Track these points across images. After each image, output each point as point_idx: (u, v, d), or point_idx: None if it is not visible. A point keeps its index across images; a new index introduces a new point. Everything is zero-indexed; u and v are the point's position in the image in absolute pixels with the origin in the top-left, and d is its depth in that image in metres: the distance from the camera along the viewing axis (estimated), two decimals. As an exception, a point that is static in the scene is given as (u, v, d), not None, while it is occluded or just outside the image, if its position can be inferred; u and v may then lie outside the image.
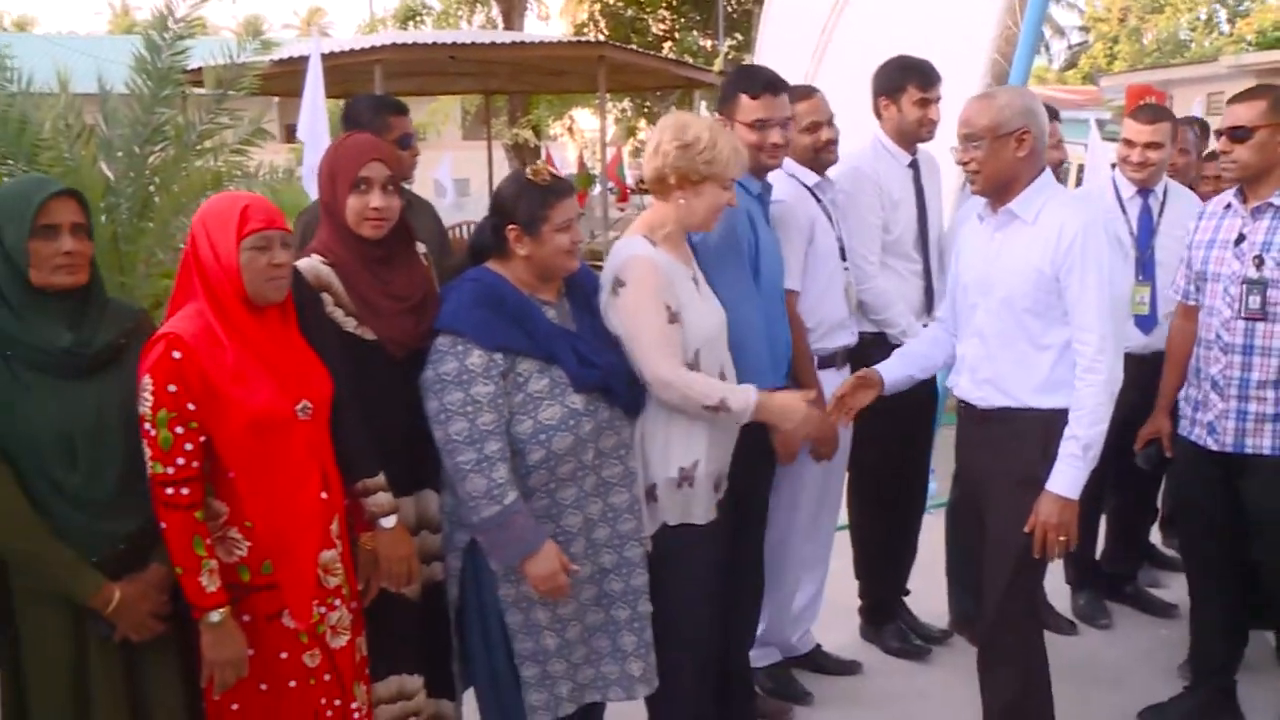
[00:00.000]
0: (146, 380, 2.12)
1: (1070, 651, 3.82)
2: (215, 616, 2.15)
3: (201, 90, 7.20)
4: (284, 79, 9.54)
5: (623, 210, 17.97)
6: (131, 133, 6.76)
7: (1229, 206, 3.27)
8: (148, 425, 2.12)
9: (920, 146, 3.64)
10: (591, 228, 14.87)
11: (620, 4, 18.82)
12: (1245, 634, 3.49)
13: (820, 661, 3.75)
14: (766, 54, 6.40)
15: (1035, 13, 4.68)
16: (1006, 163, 2.73)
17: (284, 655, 2.25)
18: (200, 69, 7.19)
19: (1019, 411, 2.79)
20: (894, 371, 3.08)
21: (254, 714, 2.26)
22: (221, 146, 7.28)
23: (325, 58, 9.34)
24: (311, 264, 2.42)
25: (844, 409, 3.03)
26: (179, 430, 2.11)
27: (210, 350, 2.15)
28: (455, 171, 19.08)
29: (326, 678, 2.30)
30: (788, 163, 3.25)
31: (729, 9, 18.08)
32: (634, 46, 15.39)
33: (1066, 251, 2.67)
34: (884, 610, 3.95)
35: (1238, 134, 3.13)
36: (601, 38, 17.34)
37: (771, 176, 3.20)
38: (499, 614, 2.52)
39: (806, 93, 3.37)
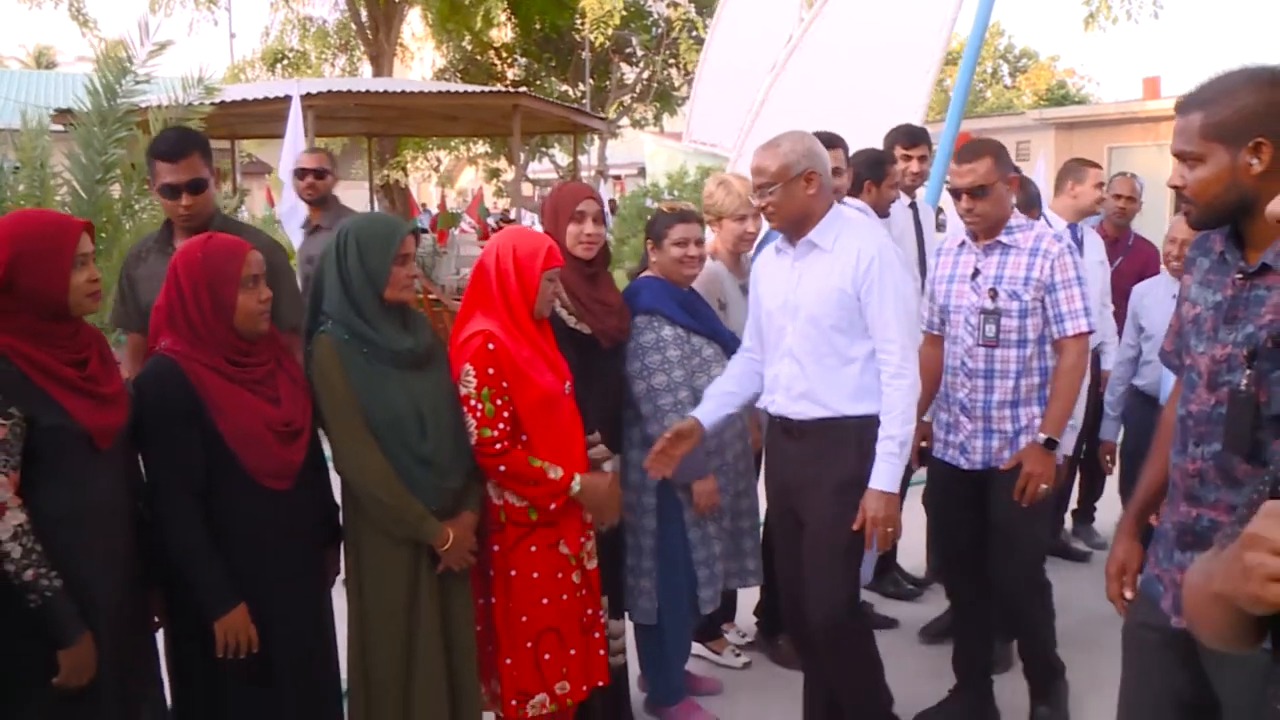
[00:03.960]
0: (468, 367, 2.80)
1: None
2: (576, 487, 2.88)
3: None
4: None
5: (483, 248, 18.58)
6: (82, 173, 7.14)
7: (963, 244, 3.49)
8: (473, 401, 2.79)
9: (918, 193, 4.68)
10: (458, 265, 15.38)
11: (476, 51, 19.52)
12: (992, 640, 3.72)
13: None
14: (701, 105, 7.27)
15: (975, 42, 5.50)
16: (800, 201, 3.00)
17: (560, 575, 2.93)
18: (147, 110, 7.59)
19: (835, 421, 3.03)
20: (711, 415, 3.23)
21: (538, 623, 2.90)
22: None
23: (254, 104, 9.78)
24: (544, 276, 3.17)
25: (664, 461, 3.12)
26: (498, 402, 2.80)
27: (513, 343, 2.85)
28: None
29: (584, 593, 3.00)
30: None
31: (591, 56, 19.13)
32: (540, 96, 16.14)
33: (865, 273, 2.96)
34: (886, 563, 4.88)
35: (978, 192, 3.32)
36: (461, 83, 17.99)
37: None
38: (684, 532, 3.42)
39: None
